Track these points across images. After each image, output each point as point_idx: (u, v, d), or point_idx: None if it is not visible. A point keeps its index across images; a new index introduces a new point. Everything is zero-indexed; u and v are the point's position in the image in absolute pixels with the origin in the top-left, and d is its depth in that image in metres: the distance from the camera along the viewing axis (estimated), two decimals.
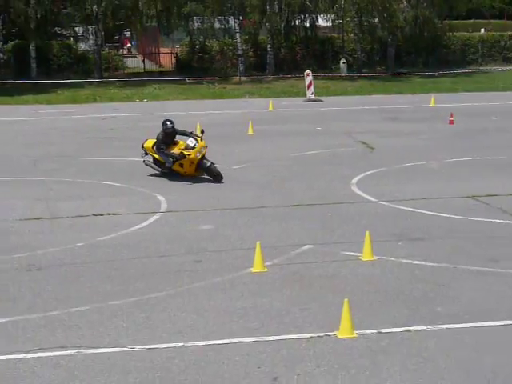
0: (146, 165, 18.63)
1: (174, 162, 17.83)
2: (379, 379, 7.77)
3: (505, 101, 36.54)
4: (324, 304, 9.88)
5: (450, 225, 13.80)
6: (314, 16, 55.80)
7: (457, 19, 71.36)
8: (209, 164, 17.67)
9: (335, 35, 57.38)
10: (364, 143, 23.74)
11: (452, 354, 8.35)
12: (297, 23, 56.14)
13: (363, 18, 53.43)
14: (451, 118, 27.91)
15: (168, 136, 18.05)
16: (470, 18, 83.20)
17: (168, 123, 17.98)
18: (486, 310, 9.63)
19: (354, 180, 17.84)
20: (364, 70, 53.31)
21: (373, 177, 18.39)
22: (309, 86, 38.25)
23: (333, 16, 55.32)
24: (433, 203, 15.44)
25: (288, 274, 11.14)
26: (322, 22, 57.58)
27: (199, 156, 17.59)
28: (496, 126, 27.41)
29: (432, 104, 34.78)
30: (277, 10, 52.86)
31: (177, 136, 18.42)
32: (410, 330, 8.98)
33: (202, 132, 18.11)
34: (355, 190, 16.88)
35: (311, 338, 8.78)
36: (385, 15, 52.19)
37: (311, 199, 15.98)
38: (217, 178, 17.59)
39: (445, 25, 58.36)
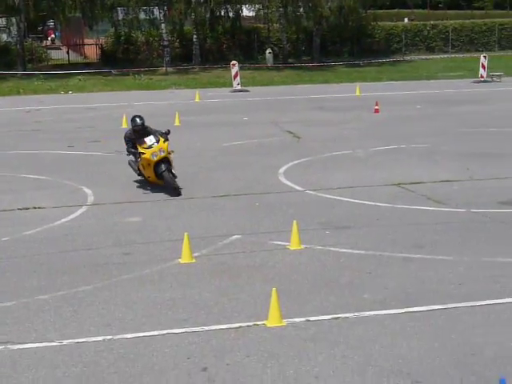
0: (129, 165, 16.87)
1: (137, 159, 16.10)
2: (308, 367, 7.83)
3: (428, 89, 37.08)
4: (252, 293, 9.92)
5: (376, 213, 13.96)
6: (238, 6, 55.84)
7: (381, 9, 72.19)
8: (162, 170, 15.61)
9: (261, 25, 57.52)
10: (291, 133, 23.86)
11: (379, 340, 8.46)
12: (222, 13, 56.10)
13: (288, 8, 53.58)
14: (376, 107, 28.25)
15: (136, 134, 16.13)
16: (394, 8, 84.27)
17: (137, 119, 16.13)
18: (412, 295, 9.78)
19: (281, 169, 17.93)
20: (290, 60, 53.57)
21: (300, 166, 18.50)
22: (235, 76, 38.27)
23: (258, 6, 55.44)
24: (359, 191, 15.60)
25: (216, 264, 11.15)
26: (247, 12, 57.70)
27: (155, 158, 15.47)
28: (420, 114, 27.83)
29: (357, 93, 35.12)
30: (202, 1, 52.75)
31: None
32: (337, 318, 9.07)
33: (167, 133, 16.30)
34: (282, 179, 16.96)
35: (240, 327, 8.81)
36: (310, 5, 52.46)
37: (238, 189, 16.01)
38: (175, 191, 15.52)
39: (369, 14, 58.99)
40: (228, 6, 55.61)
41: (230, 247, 11.99)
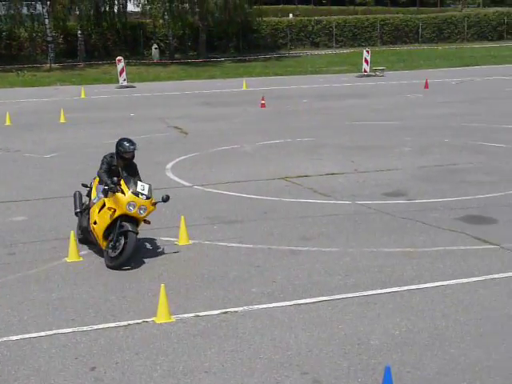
0: (74, 197, 12.27)
1: (106, 194, 11.09)
2: (198, 362, 7.84)
3: (314, 84, 37.52)
4: (141, 290, 9.86)
5: (263, 206, 14.05)
6: (124, 1, 55.31)
7: (266, 4, 72.62)
8: (127, 229, 10.87)
9: (146, 21, 57.13)
10: (178, 128, 23.81)
11: (268, 332, 8.53)
12: (107, 9, 55.46)
13: (174, 3, 53.31)
14: (263, 102, 28.44)
15: (120, 161, 11.62)
16: (279, 4, 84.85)
17: (127, 144, 11.52)
18: (300, 287, 9.89)
19: (169, 165, 17.87)
20: (176, 56, 53.43)
21: (187, 161, 18.47)
22: (121, 72, 37.94)
23: (143, 1, 54.97)
24: (247, 186, 15.68)
25: (104, 262, 11.02)
26: (132, 7, 57.20)
27: (130, 210, 10.91)
28: (306, 109, 28.16)
29: (244, 88, 35.29)
30: None
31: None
32: (226, 312, 9.10)
33: (164, 199, 11.42)
34: (170, 175, 16.91)
35: (129, 325, 8.75)
36: (195, 0, 52.37)
37: None
38: (118, 263, 10.83)
39: (254, 10, 59.23)
40: (115, 2, 54.96)
41: None
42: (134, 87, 37.37)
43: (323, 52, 58.25)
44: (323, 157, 18.70)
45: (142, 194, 11.06)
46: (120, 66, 37.83)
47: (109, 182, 11.09)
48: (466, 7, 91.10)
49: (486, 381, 7.39)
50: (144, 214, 11.07)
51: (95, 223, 11.20)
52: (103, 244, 11.13)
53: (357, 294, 9.66)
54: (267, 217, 13.34)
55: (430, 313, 9.04)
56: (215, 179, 16.32)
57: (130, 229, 10.85)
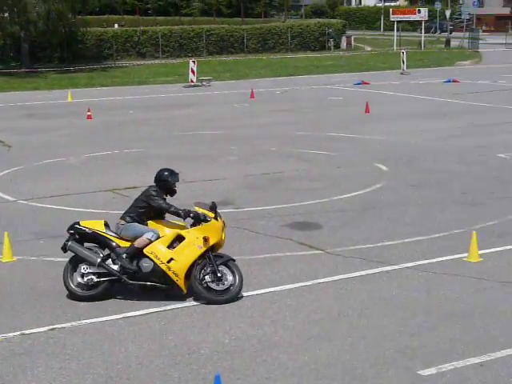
0: (70, 249, 10.31)
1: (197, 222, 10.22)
2: (24, 382, 7.65)
3: (141, 95, 37.34)
4: None
5: (91, 219, 13.82)
6: None
7: (90, 14, 71.84)
8: (229, 258, 10.07)
9: None
10: (0, 141, 23.13)
11: (97, 347, 8.42)
12: None
13: None
14: (89, 113, 28.03)
15: (163, 191, 10.73)
16: (104, 14, 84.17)
17: (172, 174, 10.64)
18: (129, 300, 9.82)
19: None
20: None
21: (11, 176, 18.00)
22: None
23: None
24: (74, 199, 15.44)
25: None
26: None
27: (222, 236, 10.25)
28: (133, 119, 27.99)
29: (69, 99, 34.68)
30: None
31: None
32: (53, 329, 8.93)
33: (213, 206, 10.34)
34: None
35: None
36: (15, 9, 51.11)
37: None
38: (231, 290, 9.82)
39: (79, 20, 58.36)
40: None
41: None
42: None
43: (150, 62, 58.02)
44: (151, 168, 18.57)
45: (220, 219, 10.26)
46: None
47: (194, 212, 10.09)
48: (289, 18, 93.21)
49: (313, 383, 7.56)
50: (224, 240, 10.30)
51: (170, 261, 9.77)
52: (184, 284, 9.81)
53: (186, 305, 9.69)
54: None
55: (258, 319, 9.17)
56: (41, 193, 15.97)
57: (231, 257, 10.04)
